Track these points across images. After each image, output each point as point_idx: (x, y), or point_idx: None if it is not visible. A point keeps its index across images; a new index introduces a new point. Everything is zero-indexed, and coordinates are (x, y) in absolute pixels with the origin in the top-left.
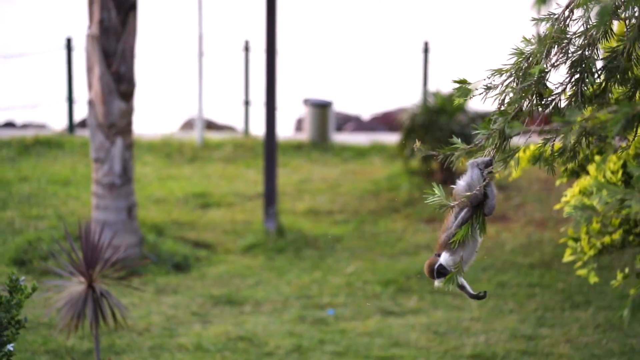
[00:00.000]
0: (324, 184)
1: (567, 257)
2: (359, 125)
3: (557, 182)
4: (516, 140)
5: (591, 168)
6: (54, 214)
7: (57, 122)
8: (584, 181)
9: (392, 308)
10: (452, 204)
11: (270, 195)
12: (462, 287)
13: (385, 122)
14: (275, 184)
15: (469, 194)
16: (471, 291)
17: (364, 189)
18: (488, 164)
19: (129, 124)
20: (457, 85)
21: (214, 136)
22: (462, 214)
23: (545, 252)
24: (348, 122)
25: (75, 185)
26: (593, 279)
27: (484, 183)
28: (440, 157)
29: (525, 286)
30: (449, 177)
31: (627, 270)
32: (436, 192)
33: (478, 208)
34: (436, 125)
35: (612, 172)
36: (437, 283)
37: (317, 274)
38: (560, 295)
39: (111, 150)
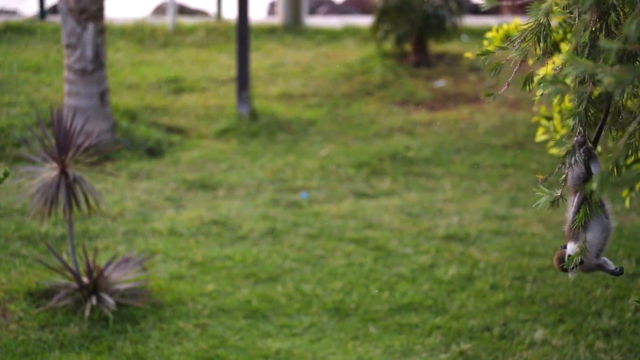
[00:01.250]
0: (297, 68)
1: (540, 137)
2: (332, 8)
3: (530, 62)
4: (490, 21)
5: (564, 46)
6: (26, 101)
7: (28, 8)
8: (557, 60)
9: (365, 190)
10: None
11: (243, 80)
12: (600, 267)
13: (358, 4)
14: (248, 68)
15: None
16: (611, 267)
17: (337, 72)
18: (581, 143)
19: (100, 9)
20: None
21: (186, 21)
22: (575, 199)
23: (519, 132)
24: (321, 5)
25: (47, 72)
26: None
27: (582, 158)
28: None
29: (499, 167)
30: (422, 59)
31: (599, 148)
32: (543, 191)
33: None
34: (409, 7)
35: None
36: (570, 275)
37: (291, 158)
38: (533, 175)
39: (83, 36)
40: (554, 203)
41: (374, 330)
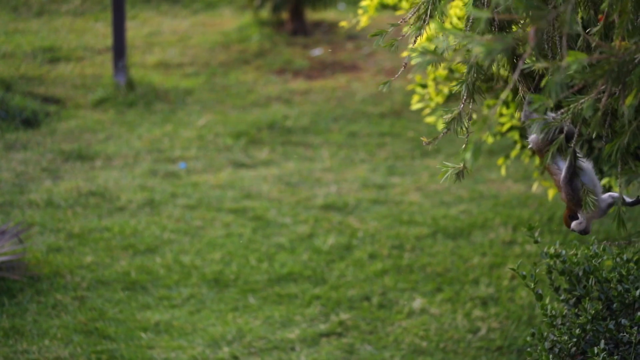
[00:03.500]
0: (174, 37)
1: (415, 105)
2: None
3: (405, 30)
4: None
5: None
6: None
7: None
8: (431, 29)
9: (243, 160)
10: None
11: (119, 49)
12: (611, 205)
13: None
14: (125, 37)
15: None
16: (627, 199)
17: (214, 40)
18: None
19: None
20: None
21: None
22: (564, 164)
23: (396, 101)
24: None
25: None
26: (441, 126)
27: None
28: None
29: (376, 135)
30: (299, 27)
31: (474, 116)
32: (447, 166)
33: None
34: None
35: (459, 18)
36: (574, 226)
37: (168, 128)
38: (410, 143)
39: None
40: (460, 175)
41: (254, 301)
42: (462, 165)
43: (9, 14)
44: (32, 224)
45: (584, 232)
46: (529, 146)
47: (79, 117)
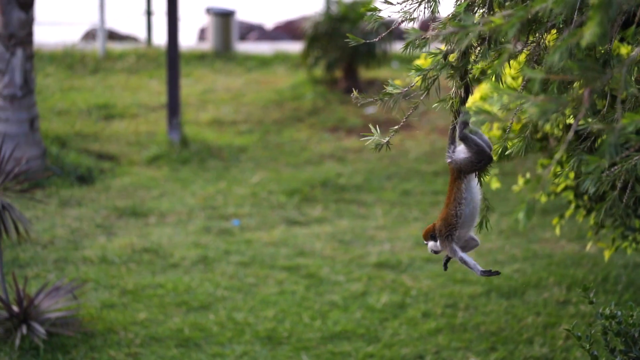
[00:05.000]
0: (228, 94)
1: None
2: (262, 34)
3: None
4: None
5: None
6: None
7: None
8: (485, 87)
9: (296, 217)
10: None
11: (173, 106)
12: (465, 246)
13: (288, 30)
14: (179, 94)
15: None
16: (479, 268)
17: (267, 98)
18: (465, 123)
19: (29, 34)
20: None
21: (116, 46)
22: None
23: None
24: (251, 32)
25: None
26: (495, 184)
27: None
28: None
29: (429, 194)
30: (352, 85)
31: (528, 175)
32: (373, 132)
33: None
34: (339, 33)
35: (513, 78)
36: (431, 246)
37: (222, 185)
38: None
39: (11, 62)
40: (379, 147)
41: (307, 359)
42: (386, 139)
43: (64, 72)
44: (86, 280)
45: (435, 253)
46: (448, 161)
47: (133, 173)
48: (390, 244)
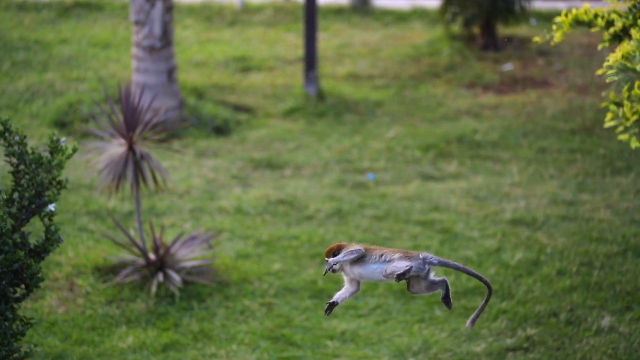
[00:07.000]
0: (365, 49)
1: (609, 122)
2: None
3: (600, 47)
4: (559, 5)
5: (634, 32)
6: (94, 77)
7: None
8: (627, 45)
9: (432, 173)
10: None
11: (310, 59)
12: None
13: None
14: (316, 47)
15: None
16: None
17: (404, 53)
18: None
19: None
20: None
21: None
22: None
23: (587, 117)
24: None
25: (115, 48)
26: (634, 144)
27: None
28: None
29: (566, 152)
30: (489, 42)
31: None
32: None
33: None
34: None
35: None
36: (330, 263)
37: (358, 139)
38: (601, 160)
39: (151, 13)
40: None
41: (440, 313)
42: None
43: (202, 24)
44: (222, 230)
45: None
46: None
47: (269, 126)
48: (525, 201)
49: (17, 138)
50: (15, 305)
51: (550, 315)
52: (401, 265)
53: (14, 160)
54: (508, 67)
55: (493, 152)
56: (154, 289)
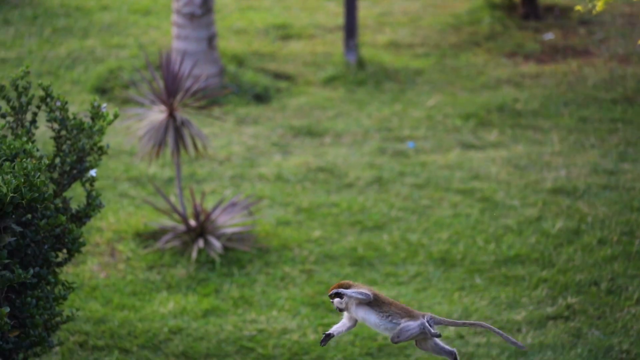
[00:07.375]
0: (405, 17)
1: None
2: None
3: None
4: None
5: None
6: (134, 43)
7: None
8: None
9: (472, 141)
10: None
11: (350, 28)
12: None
13: None
14: (356, 16)
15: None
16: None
17: (445, 22)
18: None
19: None
20: None
21: None
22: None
23: (628, 87)
24: None
25: (156, 15)
26: None
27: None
28: None
29: (607, 121)
30: (530, 11)
31: None
32: None
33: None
34: None
35: None
36: (336, 303)
37: (398, 107)
38: None
39: None
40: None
41: (480, 281)
42: None
43: None
44: (262, 197)
45: (339, 310)
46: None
47: (309, 93)
48: (566, 170)
49: (58, 104)
50: (57, 270)
51: (591, 284)
52: (411, 328)
53: (56, 125)
54: (549, 36)
55: (534, 121)
56: (194, 254)
